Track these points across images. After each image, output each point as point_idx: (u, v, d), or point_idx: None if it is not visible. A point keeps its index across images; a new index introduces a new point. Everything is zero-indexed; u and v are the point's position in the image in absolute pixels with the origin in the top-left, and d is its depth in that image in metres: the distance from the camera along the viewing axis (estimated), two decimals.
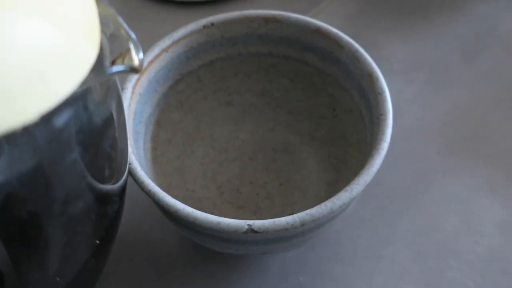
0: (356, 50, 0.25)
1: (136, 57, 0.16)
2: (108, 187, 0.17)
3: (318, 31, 0.27)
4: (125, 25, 0.16)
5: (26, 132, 0.13)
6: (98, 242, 0.17)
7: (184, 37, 0.27)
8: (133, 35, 0.16)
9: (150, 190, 0.21)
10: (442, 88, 0.34)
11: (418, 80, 0.35)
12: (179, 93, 0.29)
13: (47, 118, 0.13)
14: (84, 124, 0.15)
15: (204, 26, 0.27)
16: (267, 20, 0.27)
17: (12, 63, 0.12)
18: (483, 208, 0.29)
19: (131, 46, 0.16)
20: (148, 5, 0.40)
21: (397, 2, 0.39)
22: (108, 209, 0.17)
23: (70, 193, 0.15)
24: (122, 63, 0.15)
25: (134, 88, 0.25)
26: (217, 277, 0.27)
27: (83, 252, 0.16)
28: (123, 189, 0.18)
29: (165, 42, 0.26)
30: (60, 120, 0.14)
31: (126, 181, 0.19)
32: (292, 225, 0.19)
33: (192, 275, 0.27)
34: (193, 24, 0.27)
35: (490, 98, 0.34)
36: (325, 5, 0.40)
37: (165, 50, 0.26)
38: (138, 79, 0.25)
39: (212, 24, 0.27)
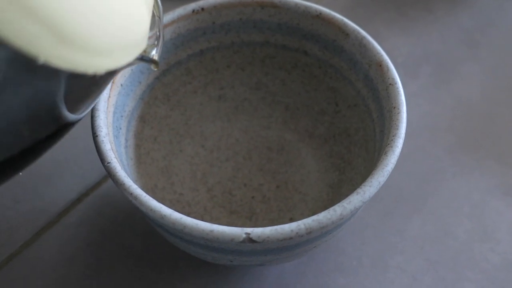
0: (363, 37, 0.23)
1: (157, 52, 0.18)
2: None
3: (320, 17, 0.24)
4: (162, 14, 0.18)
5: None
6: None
7: (171, 22, 0.24)
8: (162, 28, 0.18)
9: (131, 193, 0.18)
10: (448, 82, 0.32)
11: (422, 74, 0.32)
12: (166, 86, 0.26)
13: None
14: None
15: (194, 11, 0.24)
16: (263, 5, 0.25)
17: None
18: (497, 211, 0.26)
19: (160, 39, 0.18)
20: None
21: None
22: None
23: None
24: (144, 53, 0.17)
25: (114, 77, 0.22)
26: None
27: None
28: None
29: None
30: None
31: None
32: (297, 233, 0.17)
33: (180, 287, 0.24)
34: (180, 9, 0.24)
35: (499, 93, 0.31)
36: None
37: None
38: None
39: (202, 9, 0.24)
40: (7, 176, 0.16)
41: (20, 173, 0.17)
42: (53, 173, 0.28)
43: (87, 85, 0.14)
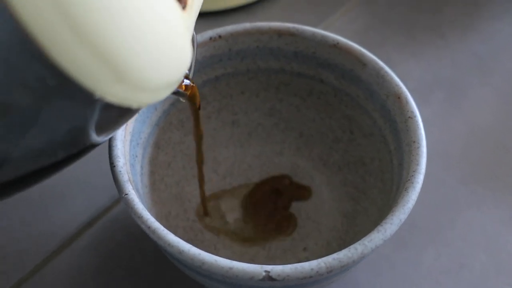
0: (381, 68, 0.23)
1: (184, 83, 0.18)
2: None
3: (337, 46, 0.24)
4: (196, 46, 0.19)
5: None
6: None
7: None
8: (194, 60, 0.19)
9: (149, 227, 0.18)
10: (461, 109, 0.32)
11: (434, 100, 0.32)
12: (181, 112, 0.26)
13: None
14: None
15: (211, 38, 0.24)
16: (280, 33, 0.25)
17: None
18: None
19: (191, 71, 0.19)
20: None
21: (409, 18, 0.37)
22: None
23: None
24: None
25: None
26: None
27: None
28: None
29: None
30: None
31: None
32: (317, 271, 0.17)
33: None
34: (198, 36, 0.24)
35: None
36: (333, 19, 0.37)
37: None
38: None
39: (220, 36, 0.24)
40: (15, 192, 0.16)
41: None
42: (64, 196, 0.28)
43: (123, 115, 0.14)
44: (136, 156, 0.22)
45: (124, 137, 0.21)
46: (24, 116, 0.12)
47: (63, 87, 0.12)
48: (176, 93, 0.19)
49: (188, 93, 0.19)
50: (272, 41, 0.25)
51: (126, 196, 0.18)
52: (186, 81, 0.19)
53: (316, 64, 0.25)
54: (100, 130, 0.14)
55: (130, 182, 0.19)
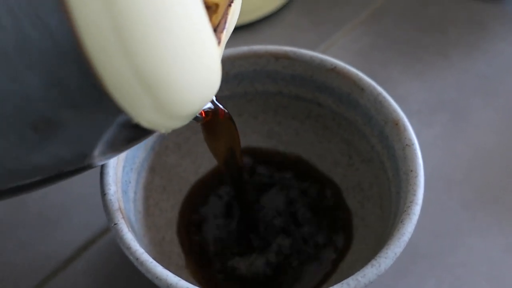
0: (379, 94, 0.22)
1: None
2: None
3: (334, 70, 0.24)
4: None
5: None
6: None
7: None
8: None
9: (137, 258, 0.17)
10: (464, 131, 0.31)
11: (438, 122, 0.32)
12: (177, 135, 0.26)
13: None
14: None
15: None
16: (277, 56, 0.24)
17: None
18: None
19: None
20: None
21: (413, 38, 0.37)
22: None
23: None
24: None
25: None
26: None
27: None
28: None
29: None
30: None
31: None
32: None
33: None
34: None
35: None
36: (335, 39, 0.37)
37: None
38: None
39: None
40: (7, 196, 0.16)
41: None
42: (60, 218, 0.28)
43: (146, 135, 0.15)
44: (130, 182, 0.22)
45: (117, 163, 0.20)
46: (61, 130, 0.13)
47: (105, 109, 0.12)
48: (196, 118, 0.19)
49: (207, 117, 0.20)
50: (269, 65, 0.25)
51: (115, 225, 0.18)
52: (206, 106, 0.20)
53: (314, 88, 0.25)
54: (120, 146, 0.15)
55: (121, 211, 0.19)
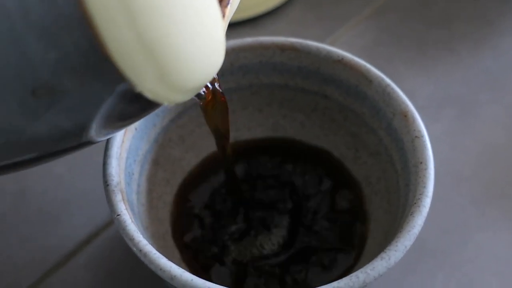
0: (387, 85, 0.22)
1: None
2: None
3: (341, 62, 0.23)
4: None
5: None
6: None
7: None
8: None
9: (141, 250, 0.17)
10: (471, 126, 0.31)
11: (445, 117, 0.31)
12: (181, 127, 0.25)
13: None
14: None
15: None
16: (283, 48, 0.24)
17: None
18: None
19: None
20: None
21: (419, 32, 0.36)
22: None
23: None
24: None
25: None
26: None
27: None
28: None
29: None
30: None
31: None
32: None
33: None
34: None
35: None
36: (340, 34, 0.37)
37: None
38: None
39: None
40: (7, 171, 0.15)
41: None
42: (61, 213, 0.27)
43: (150, 109, 0.15)
44: (133, 174, 0.21)
45: (120, 154, 0.20)
46: (61, 98, 0.12)
47: (108, 76, 0.12)
48: (198, 96, 0.19)
49: (208, 97, 0.20)
50: (275, 56, 0.24)
51: (118, 216, 0.18)
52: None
53: (321, 80, 0.24)
54: (121, 119, 0.15)
55: (124, 202, 0.18)
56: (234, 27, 0.36)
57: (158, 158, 0.24)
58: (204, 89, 0.19)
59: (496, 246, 0.26)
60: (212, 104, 0.20)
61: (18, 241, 0.27)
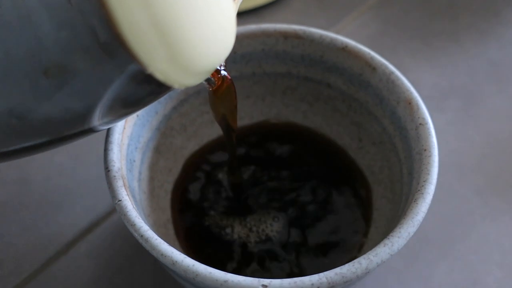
0: (391, 73, 0.22)
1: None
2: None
3: (345, 49, 0.23)
4: None
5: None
6: None
7: None
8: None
9: (142, 235, 0.17)
10: (476, 117, 0.31)
11: (449, 108, 0.31)
12: (183, 116, 0.25)
13: None
14: None
15: None
16: (286, 35, 0.24)
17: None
18: None
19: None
20: None
21: (423, 23, 0.36)
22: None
23: None
24: None
25: None
26: None
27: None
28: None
29: None
30: None
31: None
32: (318, 287, 0.15)
33: None
34: None
35: None
36: (345, 23, 0.36)
37: None
38: None
39: None
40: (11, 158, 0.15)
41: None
42: (64, 201, 0.27)
43: (161, 92, 0.15)
44: (134, 161, 0.21)
45: (121, 141, 0.20)
46: (72, 78, 0.12)
47: (119, 56, 0.12)
48: (208, 80, 0.19)
49: (218, 82, 0.20)
50: (278, 44, 0.24)
51: (119, 202, 0.18)
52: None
53: (324, 68, 0.24)
54: (129, 104, 0.15)
55: (125, 188, 0.18)
56: (238, 17, 0.36)
57: (160, 147, 0.24)
58: (213, 74, 0.19)
59: (499, 237, 0.25)
60: (221, 90, 0.20)
61: (19, 229, 0.27)
